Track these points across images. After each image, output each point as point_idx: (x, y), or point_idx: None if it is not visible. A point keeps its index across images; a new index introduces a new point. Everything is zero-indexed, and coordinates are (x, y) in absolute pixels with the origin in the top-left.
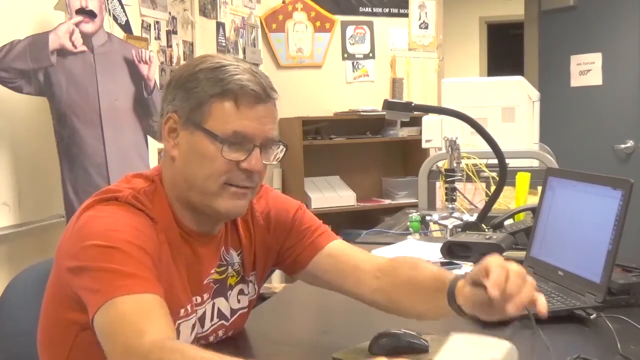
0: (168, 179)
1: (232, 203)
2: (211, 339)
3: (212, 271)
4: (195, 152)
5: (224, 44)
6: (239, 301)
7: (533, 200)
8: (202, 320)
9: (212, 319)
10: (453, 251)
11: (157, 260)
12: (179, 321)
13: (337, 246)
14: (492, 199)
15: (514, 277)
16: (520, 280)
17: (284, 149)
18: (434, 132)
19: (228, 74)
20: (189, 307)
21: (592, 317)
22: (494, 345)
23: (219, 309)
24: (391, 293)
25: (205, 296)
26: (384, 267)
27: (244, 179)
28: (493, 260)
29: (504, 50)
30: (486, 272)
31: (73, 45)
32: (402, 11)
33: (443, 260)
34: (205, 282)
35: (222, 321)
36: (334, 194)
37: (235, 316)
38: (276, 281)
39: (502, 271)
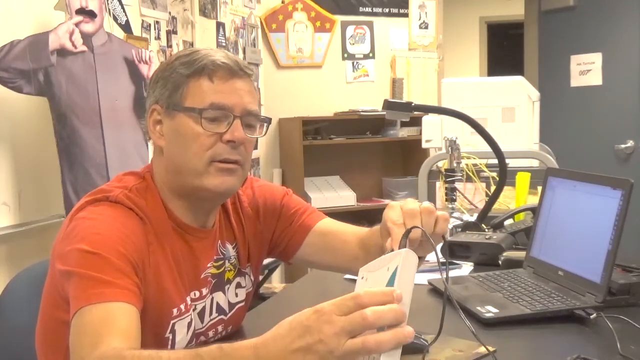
0: (159, 171)
1: (220, 179)
2: (210, 334)
3: (208, 265)
4: (179, 134)
5: (224, 44)
6: (236, 295)
7: (533, 200)
8: (201, 315)
9: (211, 314)
10: (453, 251)
11: (142, 264)
12: (173, 321)
13: (325, 224)
14: (492, 199)
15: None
16: (416, 220)
17: (268, 123)
18: (434, 132)
19: (201, 54)
20: (182, 306)
21: (592, 317)
22: (391, 257)
23: (217, 304)
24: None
25: (204, 291)
26: (364, 236)
27: (229, 152)
28: (391, 217)
29: (504, 50)
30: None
31: (73, 45)
32: (402, 11)
33: (443, 260)
34: (202, 276)
35: (221, 316)
36: (334, 194)
37: (234, 310)
38: (276, 281)
39: (400, 230)
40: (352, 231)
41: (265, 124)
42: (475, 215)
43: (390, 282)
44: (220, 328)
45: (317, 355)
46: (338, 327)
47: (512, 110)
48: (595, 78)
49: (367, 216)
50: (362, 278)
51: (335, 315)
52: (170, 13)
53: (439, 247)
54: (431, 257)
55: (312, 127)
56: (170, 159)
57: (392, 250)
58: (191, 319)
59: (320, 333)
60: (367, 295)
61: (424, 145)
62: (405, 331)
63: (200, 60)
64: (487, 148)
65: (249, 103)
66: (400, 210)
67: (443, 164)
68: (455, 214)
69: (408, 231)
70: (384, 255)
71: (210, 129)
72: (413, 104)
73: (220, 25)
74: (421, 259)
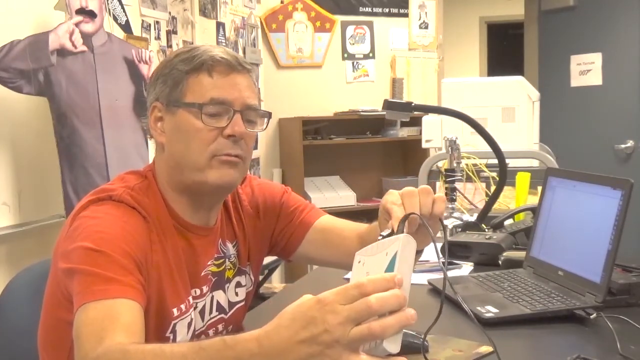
0: (160, 169)
1: (221, 172)
2: (211, 333)
3: (208, 263)
4: (180, 130)
5: (224, 44)
6: (236, 294)
7: (533, 200)
8: (202, 313)
9: (211, 312)
10: (453, 251)
11: (145, 263)
12: (174, 321)
13: (325, 221)
14: (492, 199)
15: (408, 199)
16: (414, 199)
17: (269, 118)
18: (434, 132)
19: (200, 51)
20: (183, 306)
21: (592, 317)
22: (389, 242)
23: (217, 302)
24: None
25: (205, 289)
26: (363, 232)
27: (231, 146)
28: (390, 199)
29: (504, 50)
30: (389, 216)
31: (73, 45)
32: (402, 11)
33: (443, 260)
34: (202, 274)
35: (221, 315)
36: (334, 194)
37: (234, 310)
38: (276, 281)
39: (400, 208)
40: (352, 227)
41: (265, 119)
42: (475, 215)
43: (390, 267)
44: (220, 327)
45: (324, 345)
46: (343, 316)
47: (512, 110)
48: (595, 78)
49: (367, 216)
50: (359, 262)
51: (339, 305)
52: (170, 13)
53: (433, 246)
54: (431, 258)
55: (312, 127)
56: (172, 155)
57: (393, 230)
58: (191, 319)
59: (325, 323)
60: (371, 283)
61: (424, 145)
62: (407, 314)
63: (199, 56)
64: (487, 148)
65: (249, 98)
66: (397, 193)
67: (443, 164)
68: (455, 214)
69: (406, 216)
70: (380, 239)
71: (211, 124)
72: (413, 104)
73: (220, 25)
74: (419, 253)
